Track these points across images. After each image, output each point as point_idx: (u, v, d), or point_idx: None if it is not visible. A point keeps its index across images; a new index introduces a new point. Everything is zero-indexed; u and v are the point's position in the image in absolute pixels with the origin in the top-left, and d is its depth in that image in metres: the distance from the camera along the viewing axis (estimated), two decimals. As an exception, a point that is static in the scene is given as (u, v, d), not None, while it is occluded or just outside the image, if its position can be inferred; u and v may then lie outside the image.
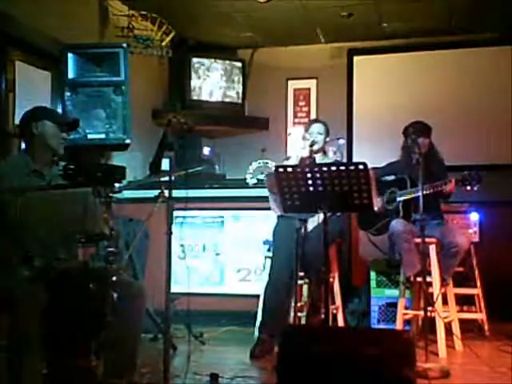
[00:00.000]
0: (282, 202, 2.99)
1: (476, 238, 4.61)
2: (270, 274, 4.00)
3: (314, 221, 3.78)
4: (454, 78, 6.11)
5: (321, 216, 3.10)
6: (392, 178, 4.29)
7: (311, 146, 3.98)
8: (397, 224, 4.06)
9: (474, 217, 4.70)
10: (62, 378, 2.46)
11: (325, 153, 4.18)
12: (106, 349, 2.34)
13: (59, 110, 4.30)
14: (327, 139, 4.14)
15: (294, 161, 4.04)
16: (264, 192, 4.22)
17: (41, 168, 2.80)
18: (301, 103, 6.60)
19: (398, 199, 4.16)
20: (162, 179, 2.97)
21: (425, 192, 3.63)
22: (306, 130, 4.16)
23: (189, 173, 3.37)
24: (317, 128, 4.11)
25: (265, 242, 4.35)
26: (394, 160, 4.33)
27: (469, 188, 3.86)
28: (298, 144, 4.16)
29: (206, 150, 5.99)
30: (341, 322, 4.32)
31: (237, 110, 6.51)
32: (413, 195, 3.97)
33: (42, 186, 2.70)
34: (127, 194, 4.63)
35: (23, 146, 2.94)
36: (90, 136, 4.06)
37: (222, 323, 4.74)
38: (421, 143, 4.00)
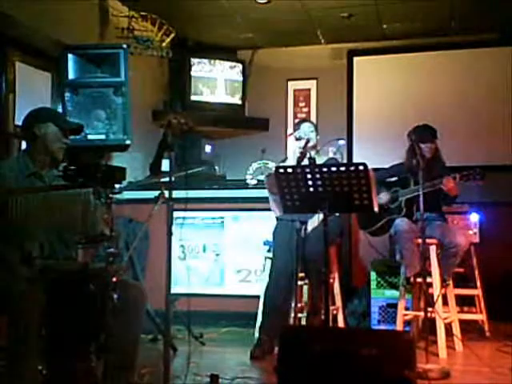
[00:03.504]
0: (282, 203, 2.99)
1: (476, 239, 4.61)
2: (270, 275, 4.00)
3: (313, 222, 3.78)
4: (454, 79, 6.11)
5: (320, 217, 3.10)
6: (395, 179, 4.33)
7: (306, 143, 3.99)
8: (402, 223, 4.08)
9: (474, 218, 4.69)
10: (61, 379, 2.46)
11: (317, 151, 4.18)
12: (106, 350, 2.34)
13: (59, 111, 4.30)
14: (318, 137, 4.15)
15: (291, 161, 4.05)
16: (264, 193, 4.22)
17: (40, 170, 2.77)
18: (301, 104, 6.61)
19: (400, 198, 4.20)
20: (162, 180, 2.97)
21: (425, 190, 3.66)
22: (296, 130, 4.15)
23: (189, 173, 3.37)
24: (307, 127, 4.12)
25: (265, 243, 4.35)
26: (398, 162, 4.35)
27: (472, 184, 3.92)
28: (293, 144, 4.16)
29: (208, 148, 6.00)
30: (341, 323, 4.32)
31: (237, 110, 6.50)
32: (414, 194, 3.99)
33: (42, 188, 2.69)
34: (127, 194, 4.63)
35: (24, 146, 2.89)
36: (90, 137, 4.06)
37: (222, 324, 4.75)
38: (425, 148, 4.06)
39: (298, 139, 4.04)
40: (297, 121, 4.64)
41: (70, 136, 2.90)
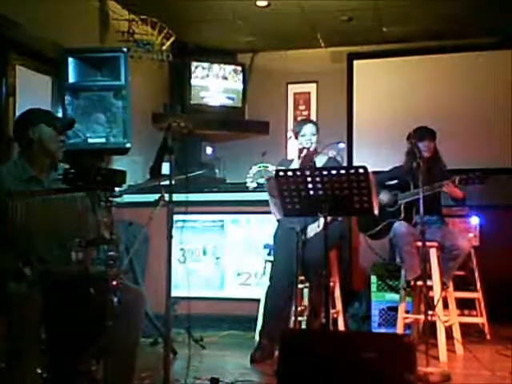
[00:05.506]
0: (282, 206, 2.99)
1: (476, 242, 4.60)
2: (270, 278, 4.00)
3: (314, 228, 3.77)
4: (454, 82, 6.12)
5: (321, 222, 3.10)
6: (395, 181, 4.33)
7: (308, 151, 3.97)
8: (400, 226, 4.07)
9: (475, 221, 4.69)
10: (61, 383, 2.45)
11: (317, 152, 4.16)
12: (106, 353, 2.34)
13: (59, 115, 4.31)
14: (317, 138, 4.11)
15: (296, 164, 4.06)
16: (264, 196, 4.22)
17: (39, 174, 2.73)
18: (301, 107, 6.61)
19: (400, 202, 4.20)
20: (163, 183, 2.97)
21: (424, 193, 3.67)
22: (298, 131, 4.08)
23: (189, 177, 3.37)
24: (310, 129, 4.07)
25: (265, 246, 4.35)
26: (398, 165, 4.35)
27: (471, 187, 3.93)
28: (296, 149, 4.15)
29: (209, 150, 6.00)
30: (341, 326, 4.32)
31: (237, 113, 6.51)
32: (415, 197, 3.99)
33: (42, 191, 2.68)
34: (127, 198, 4.62)
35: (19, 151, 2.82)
36: (90, 140, 4.07)
37: (223, 327, 4.74)
38: (424, 147, 4.06)
39: (300, 150, 4.00)
40: (297, 121, 4.61)
41: (64, 132, 2.86)
